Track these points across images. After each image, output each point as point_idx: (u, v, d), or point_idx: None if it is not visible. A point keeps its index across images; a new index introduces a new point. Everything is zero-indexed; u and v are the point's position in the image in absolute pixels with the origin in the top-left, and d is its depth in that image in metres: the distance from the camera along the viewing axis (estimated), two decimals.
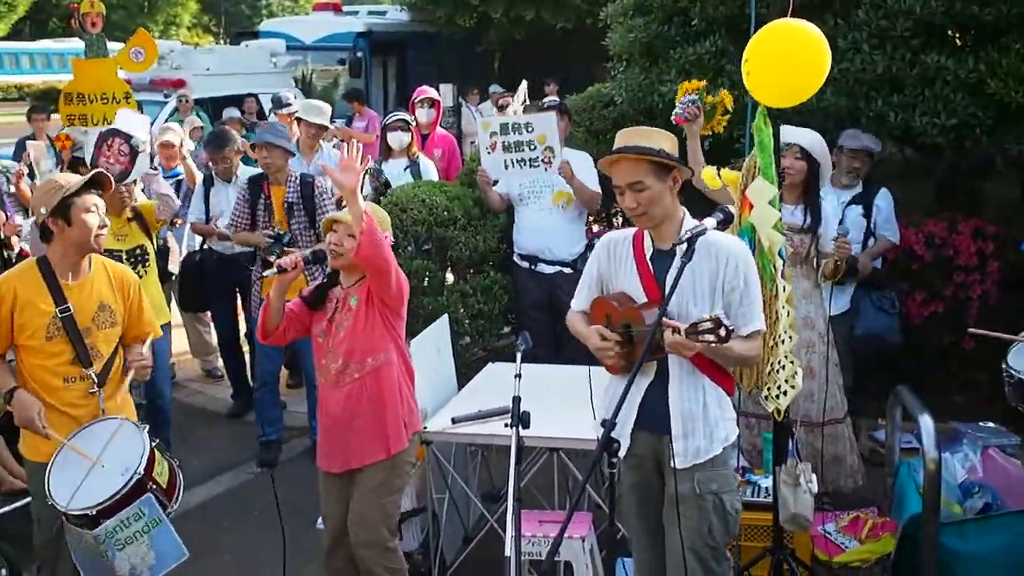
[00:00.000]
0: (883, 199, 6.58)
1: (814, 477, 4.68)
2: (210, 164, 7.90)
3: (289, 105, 10.89)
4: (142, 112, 8.18)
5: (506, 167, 7.13)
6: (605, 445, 3.51)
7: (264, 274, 4.53)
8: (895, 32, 6.64)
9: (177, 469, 4.58)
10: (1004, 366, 5.02)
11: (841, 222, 6.04)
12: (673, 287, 3.73)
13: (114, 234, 6.53)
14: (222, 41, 44.54)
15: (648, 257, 4.01)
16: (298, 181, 7.09)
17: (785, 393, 4.60)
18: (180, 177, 8.31)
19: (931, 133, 6.56)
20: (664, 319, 3.69)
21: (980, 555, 4.93)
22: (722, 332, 3.51)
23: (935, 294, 7.03)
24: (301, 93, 14.70)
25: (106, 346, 4.60)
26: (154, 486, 4.29)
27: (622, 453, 4.05)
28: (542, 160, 6.98)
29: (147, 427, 4.49)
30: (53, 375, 4.48)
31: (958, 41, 7.09)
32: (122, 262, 6.52)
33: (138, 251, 6.72)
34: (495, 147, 7.10)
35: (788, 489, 4.54)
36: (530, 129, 6.96)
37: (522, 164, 7.06)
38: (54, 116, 10.08)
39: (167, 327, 7.09)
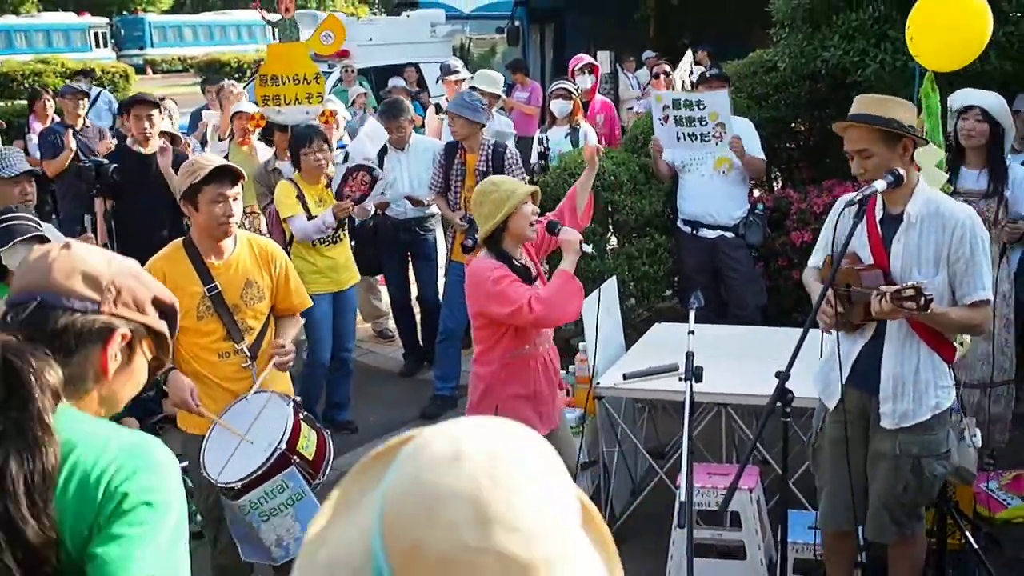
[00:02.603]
0: None
1: (978, 432, 4.78)
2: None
3: (456, 72, 11.14)
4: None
5: (678, 139, 7.22)
6: (779, 396, 3.72)
7: (585, 249, 4.61)
8: None
9: (328, 441, 4.55)
10: None
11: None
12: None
13: (314, 200, 7.00)
14: (377, 12, 45.24)
15: (878, 220, 4.17)
16: (490, 149, 7.33)
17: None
18: (346, 148, 8.60)
19: None
20: (880, 285, 3.88)
21: None
22: (921, 301, 3.67)
23: None
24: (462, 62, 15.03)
25: (256, 320, 4.63)
26: (298, 460, 4.28)
27: (831, 407, 4.27)
28: (713, 136, 7.05)
29: (294, 400, 4.52)
30: (208, 352, 4.54)
31: None
32: None
33: None
34: (667, 119, 7.19)
35: (953, 443, 4.65)
36: (702, 107, 7.00)
37: (693, 139, 7.13)
38: (224, 84, 10.50)
39: (355, 288, 7.54)
